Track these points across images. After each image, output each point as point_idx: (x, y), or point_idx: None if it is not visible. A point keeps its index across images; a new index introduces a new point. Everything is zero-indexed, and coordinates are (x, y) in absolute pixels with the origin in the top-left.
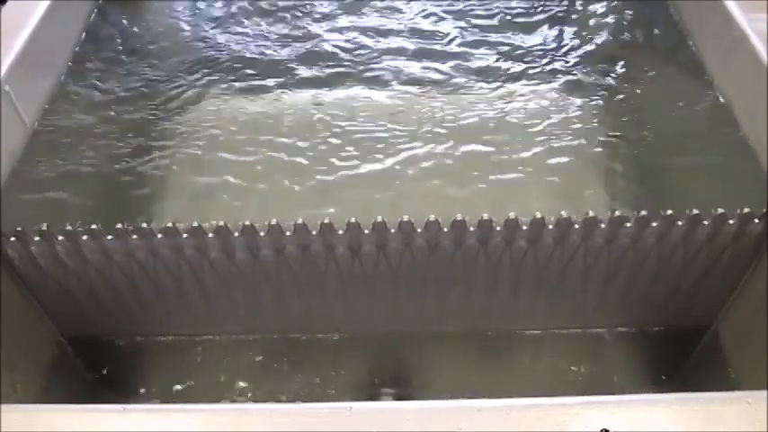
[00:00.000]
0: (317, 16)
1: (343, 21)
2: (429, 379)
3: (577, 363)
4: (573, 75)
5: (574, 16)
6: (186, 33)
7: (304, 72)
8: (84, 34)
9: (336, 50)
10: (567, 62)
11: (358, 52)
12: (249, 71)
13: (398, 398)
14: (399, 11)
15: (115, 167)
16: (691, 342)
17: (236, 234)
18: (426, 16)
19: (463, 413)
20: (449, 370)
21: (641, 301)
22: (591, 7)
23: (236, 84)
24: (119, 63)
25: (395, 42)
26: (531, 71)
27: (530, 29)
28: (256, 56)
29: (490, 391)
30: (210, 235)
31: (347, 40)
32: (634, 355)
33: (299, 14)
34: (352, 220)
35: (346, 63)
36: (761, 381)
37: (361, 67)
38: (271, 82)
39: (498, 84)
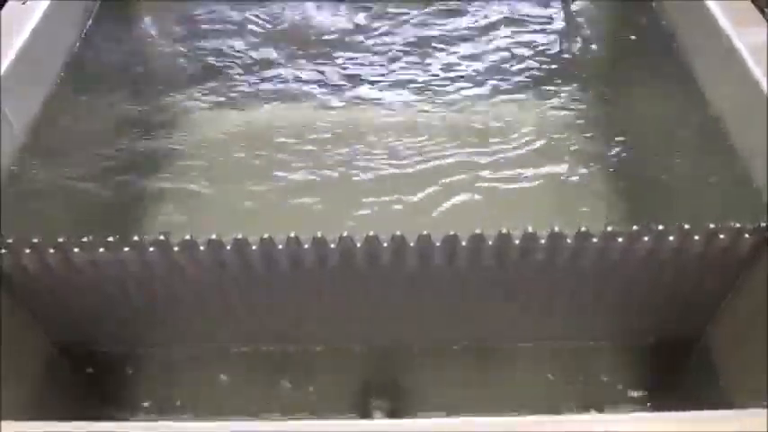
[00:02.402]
0: None
1: None
2: (422, 393)
3: (567, 376)
4: (556, 85)
5: (560, 24)
6: (182, 44)
7: None
8: (78, 43)
9: None
10: (549, 71)
11: None
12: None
13: (390, 412)
14: None
15: (108, 177)
16: (681, 354)
17: (228, 247)
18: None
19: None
20: (440, 385)
21: (632, 315)
22: (577, 15)
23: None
24: (113, 73)
25: None
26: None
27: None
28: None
29: (479, 406)
30: (202, 248)
31: None
32: (624, 368)
33: None
34: (344, 234)
35: None
36: (750, 393)
37: None
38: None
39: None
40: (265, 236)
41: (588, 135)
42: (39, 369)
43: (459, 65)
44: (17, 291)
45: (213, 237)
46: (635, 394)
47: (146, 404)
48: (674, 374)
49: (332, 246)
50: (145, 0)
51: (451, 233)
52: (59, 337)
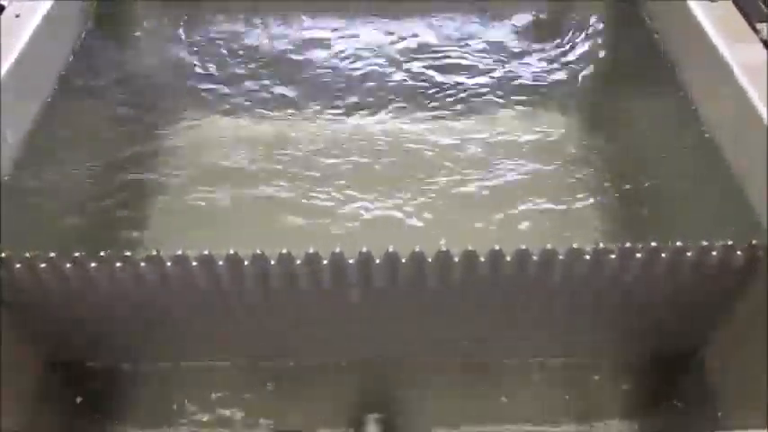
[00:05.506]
0: None
1: None
2: (417, 407)
3: (563, 392)
4: (550, 101)
5: (553, 42)
6: (176, 59)
7: None
8: (72, 56)
9: None
10: (545, 89)
11: None
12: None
13: (385, 426)
14: None
15: (100, 190)
16: (676, 370)
17: (221, 263)
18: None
19: None
20: (435, 399)
21: (626, 330)
22: (571, 33)
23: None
24: (106, 86)
25: None
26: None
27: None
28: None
29: (475, 418)
30: (195, 263)
31: None
32: (620, 384)
33: None
34: (336, 250)
35: None
36: (747, 411)
37: None
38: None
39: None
40: (258, 251)
41: (578, 151)
42: (32, 385)
43: None
44: (10, 306)
45: (206, 252)
46: (629, 410)
47: (140, 419)
48: (669, 391)
49: (324, 262)
50: (141, 9)
51: (443, 249)
52: (55, 355)
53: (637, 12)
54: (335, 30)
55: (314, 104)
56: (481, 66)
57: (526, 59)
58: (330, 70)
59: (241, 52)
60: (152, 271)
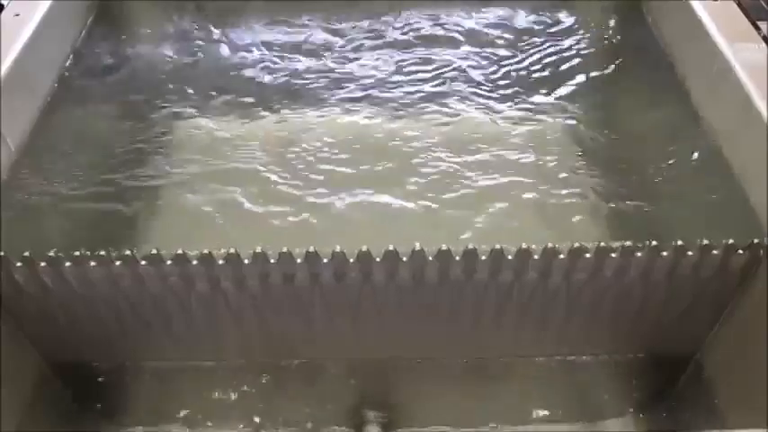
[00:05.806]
0: None
1: None
2: (416, 406)
3: (563, 391)
4: (548, 99)
5: (555, 46)
6: (176, 59)
7: None
8: (72, 56)
9: None
10: (543, 87)
11: None
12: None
13: (386, 425)
14: None
15: (101, 191)
16: (676, 370)
17: (221, 262)
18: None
19: None
20: (434, 398)
21: (626, 330)
22: (572, 35)
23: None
24: (106, 86)
25: None
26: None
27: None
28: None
29: (475, 418)
30: (195, 262)
31: None
32: (620, 383)
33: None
34: (337, 248)
35: None
36: (747, 411)
37: None
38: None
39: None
40: (258, 250)
41: (580, 152)
42: (32, 385)
43: None
44: (9, 308)
45: (205, 251)
46: (629, 410)
47: (140, 418)
48: (669, 391)
49: (325, 261)
50: (141, 9)
51: (444, 248)
52: (53, 355)
53: (637, 9)
54: (333, 30)
55: (311, 104)
56: (479, 63)
57: (524, 57)
58: (326, 69)
59: (241, 53)
60: (152, 270)
